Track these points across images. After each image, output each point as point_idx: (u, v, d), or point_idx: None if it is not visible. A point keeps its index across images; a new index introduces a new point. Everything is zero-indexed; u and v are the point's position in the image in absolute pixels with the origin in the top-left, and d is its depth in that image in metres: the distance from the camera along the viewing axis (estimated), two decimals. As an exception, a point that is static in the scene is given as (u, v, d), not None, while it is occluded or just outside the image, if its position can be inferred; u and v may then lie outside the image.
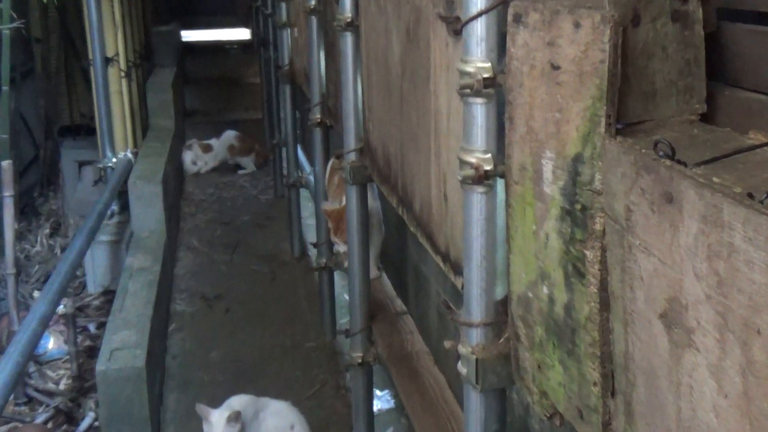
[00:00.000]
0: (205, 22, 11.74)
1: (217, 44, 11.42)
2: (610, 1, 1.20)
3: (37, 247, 6.67)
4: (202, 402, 3.60)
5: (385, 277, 3.75)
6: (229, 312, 5.24)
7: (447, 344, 1.83)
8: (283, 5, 5.24)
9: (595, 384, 1.30)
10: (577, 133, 1.29)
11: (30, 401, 4.57)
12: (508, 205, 1.58)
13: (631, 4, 1.23)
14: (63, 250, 6.39)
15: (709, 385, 1.01)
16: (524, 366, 1.56)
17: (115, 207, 5.93)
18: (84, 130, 7.71)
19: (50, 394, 4.63)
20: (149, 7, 8.70)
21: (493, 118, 1.61)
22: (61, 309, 4.53)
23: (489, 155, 1.61)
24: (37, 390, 4.65)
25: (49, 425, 4.36)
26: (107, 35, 6.03)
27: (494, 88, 1.58)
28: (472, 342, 1.69)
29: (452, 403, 2.75)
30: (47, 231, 6.91)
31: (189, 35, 11.27)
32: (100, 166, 6.15)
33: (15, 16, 5.94)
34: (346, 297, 4.74)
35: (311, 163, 5.60)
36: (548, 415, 1.48)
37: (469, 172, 1.61)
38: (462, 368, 1.71)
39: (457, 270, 1.92)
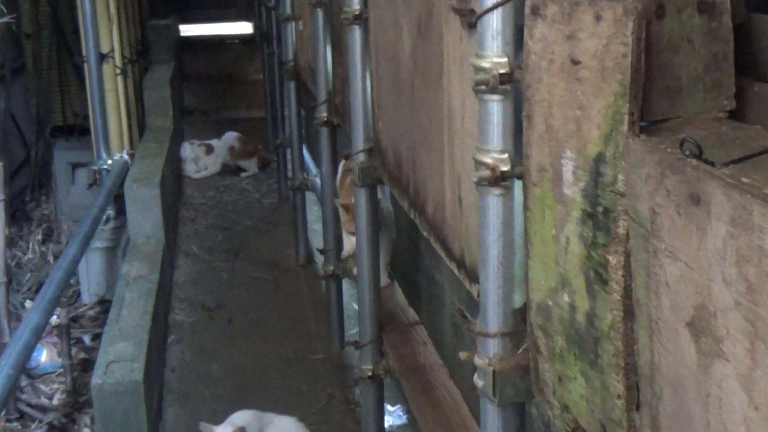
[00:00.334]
0: (205, 16, 11.77)
1: (217, 39, 11.44)
2: (633, -7, 1.21)
3: (29, 254, 6.70)
4: (202, 418, 3.61)
5: (396, 285, 3.75)
6: (231, 322, 5.25)
7: (462, 355, 1.84)
8: (287, -3, 5.26)
9: (619, 396, 1.30)
10: (598, 132, 1.30)
11: (22, 417, 4.59)
12: (526, 208, 1.58)
13: (655, -5, 1.23)
14: (56, 257, 6.41)
15: (739, 396, 1.01)
16: (544, 378, 1.57)
17: (110, 211, 5.95)
18: (77, 130, 7.75)
19: (43, 409, 4.65)
20: (145, 0, 8.74)
21: (510, 116, 1.61)
22: (54, 320, 4.56)
23: (506, 155, 1.61)
24: (29, 405, 4.67)
25: (42, 442, 4.38)
26: (102, 30, 6.06)
27: (511, 85, 1.59)
28: (488, 353, 1.70)
29: (468, 419, 2.76)
30: (39, 237, 6.94)
31: (187, 29, 11.29)
32: (95, 168, 6.17)
33: (4, 10, 5.97)
34: (355, 306, 4.74)
35: (317, 164, 5.61)
36: (570, 430, 1.48)
37: (485, 173, 1.62)
38: (478, 381, 1.71)
39: (473, 277, 1.92)
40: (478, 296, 1.77)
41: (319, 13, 3.92)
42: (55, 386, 4.85)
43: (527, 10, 1.48)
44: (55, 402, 4.73)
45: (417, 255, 3.98)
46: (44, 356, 4.96)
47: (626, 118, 1.23)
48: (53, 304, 4.07)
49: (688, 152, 1.10)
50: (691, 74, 1.28)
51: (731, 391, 1.03)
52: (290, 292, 5.64)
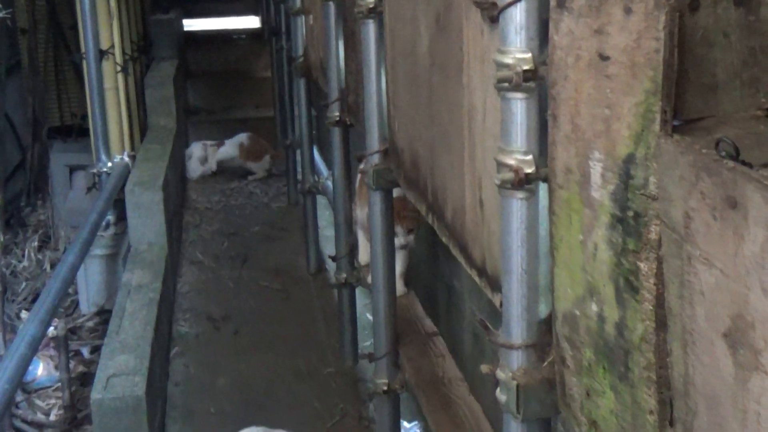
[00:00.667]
0: (210, 10, 11.81)
1: (223, 34, 11.49)
2: (665, -16, 1.21)
3: (25, 262, 6.73)
4: (208, 435, 3.62)
5: (413, 294, 3.76)
6: (238, 334, 5.27)
7: (484, 369, 1.84)
8: (297, -10, 5.28)
9: (651, 412, 1.30)
10: (629, 132, 1.30)
11: (17, 434, 4.62)
12: (551, 212, 1.58)
13: (688, -14, 1.23)
14: (53, 265, 6.44)
15: (780, 412, 1.01)
16: (571, 393, 1.57)
17: (110, 217, 5.98)
18: (75, 131, 7.79)
19: (40, 426, 4.67)
20: (147, -7, 8.78)
21: (534, 114, 1.62)
22: (51, 331, 4.58)
23: (530, 156, 1.62)
24: (24, 421, 4.69)
25: (39, 461, 4.40)
26: (101, 25, 6.09)
27: (535, 82, 1.59)
28: (512, 366, 1.70)
29: (489, 436, 2.76)
30: (35, 244, 6.98)
31: (192, 24, 11.34)
32: (94, 171, 6.20)
33: (-1, 5, 6.01)
34: (369, 317, 4.75)
35: (329, 166, 5.62)
36: (598, 447, 1.48)
37: (508, 175, 1.62)
38: (501, 395, 1.72)
39: (495, 285, 1.93)
40: (501, 306, 1.77)
41: (331, 6, 3.93)
42: (53, 401, 4.87)
43: (553, 3, 1.49)
44: (52, 418, 4.75)
45: (435, 262, 3.98)
46: (41, 370, 4.99)
47: (658, 116, 1.23)
48: (50, 315, 4.09)
49: (724, 153, 1.10)
50: (727, 70, 1.28)
51: (771, 406, 1.03)
52: (300, 301, 5.65)
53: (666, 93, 1.22)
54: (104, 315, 5.56)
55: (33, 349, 3.79)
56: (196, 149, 8.36)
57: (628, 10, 1.28)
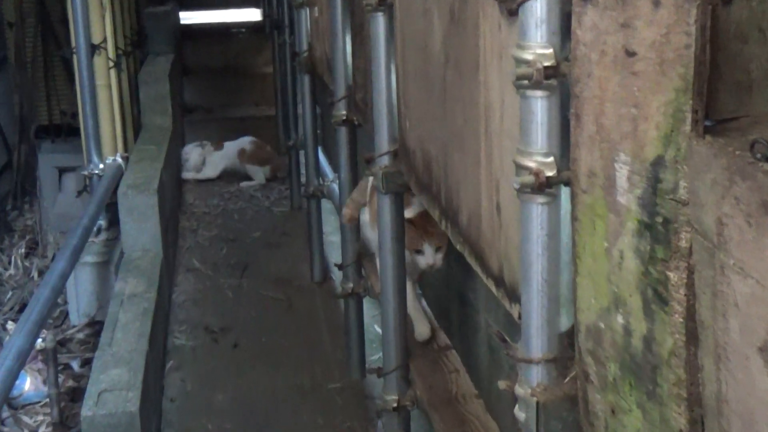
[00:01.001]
0: (208, 2, 11.84)
1: (222, 27, 11.51)
2: (697, -25, 1.21)
3: (11, 270, 6.75)
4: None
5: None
6: (238, 347, 5.27)
7: (501, 385, 1.84)
8: (301, -19, 5.29)
9: (681, 432, 1.30)
10: (657, 132, 1.30)
11: (3, 453, 4.62)
12: (574, 218, 1.58)
13: (721, -23, 1.23)
14: (41, 273, 6.46)
15: (820, 432, 1.01)
16: (594, 410, 1.57)
17: (102, 222, 5.99)
18: (65, 130, 7.81)
19: (26, 444, 4.68)
20: (142, -16, 8.81)
21: (555, 114, 1.62)
22: (39, 343, 4.58)
23: (551, 159, 1.62)
24: (11, 439, 4.70)
25: (26, 481, 4.40)
26: (93, 18, 6.11)
27: (557, 79, 1.59)
28: (531, 382, 1.70)
29: (506, 456, 2.76)
30: (22, 251, 6.99)
31: (189, 17, 11.37)
32: (85, 173, 6.21)
33: (-15, -4, 6.04)
34: (378, 329, 4.75)
35: (334, 168, 5.63)
36: (624, 469, 1.48)
37: (528, 178, 1.62)
38: (519, 413, 1.72)
39: (513, 296, 1.93)
40: (520, 318, 1.77)
41: (338, -2, 3.94)
42: (41, 418, 4.88)
43: (576, -5, 1.49)
44: (40, 436, 4.76)
45: (448, 271, 3.98)
46: (28, 384, 4.99)
47: (689, 116, 1.24)
48: (38, 326, 4.09)
49: (759, 155, 1.10)
50: (762, 67, 1.28)
51: (810, 426, 1.03)
52: (304, 312, 5.66)
53: (697, 91, 1.23)
54: (95, 326, 5.56)
55: (20, 363, 3.79)
56: (193, 153, 8.35)
57: (656, 3, 1.28)
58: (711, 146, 1.19)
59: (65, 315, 5.94)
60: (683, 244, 1.26)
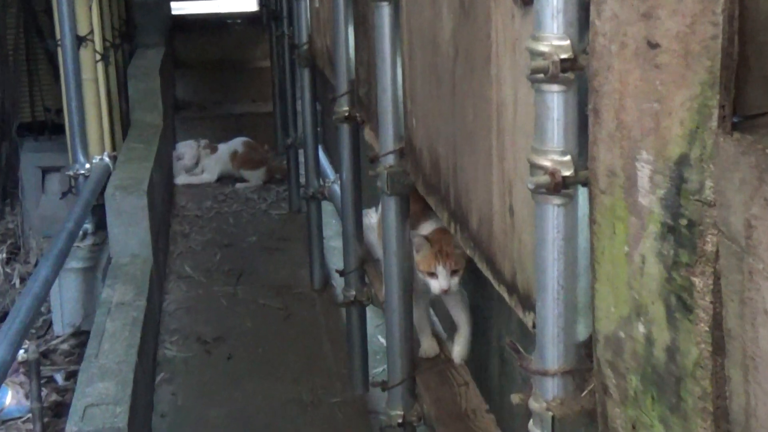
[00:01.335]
0: (201, -9, 11.87)
1: (216, 18, 11.52)
2: (724, -38, 1.22)
3: (-9, 277, 6.76)
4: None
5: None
6: (232, 359, 5.27)
7: (514, 398, 1.84)
8: (301, -31, 5.30)
9: (706, 448, 1.30)
10: (681, 129, 1.30)
11: (-18, 471, 4.63)
12: (592, 220, 1.59)
13: (750, -36, 1.24)
14: (23, 280, 6.46)
15: None
16: (614, 426, 1.57)
17: (88, 225, 5.99)
18: (49, 128, 7.81)
19: (7, 462, 4.68)
20: (131, -28, 8.82)
21: (572, 110, 1.62)
22: (21, 355, 4.59)
23: (568, 157, 1.62)
24: (-9, 457, 4.70)
25: (7, 501, 4.41)
26: (79, 8, 6.12)
27: (574, 72, 1.60)
28: (547, 395, 1.70)
29: (519, 475, 2.76)
30: (3, 256, 7.00)
31: (181, 7, 11.39)
32: (70, 173, 6.22)
33: (-36, -15, 6.05)
34: (382, 339, 4.75)
35: (336, 168, 5.63)
36: (646, 488, 1.49)
37: (543, 178, 1.62)
38: (534, 429, 1.72)
39: (527, 304, 1.93)
40: (534, 327, 1.77)
41: (340, -13, 3.95)
42: (22, 434, 4.89)
43: (594, -17, 1.50)
44: (22, 453, 4.76)
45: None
46: (9, 398, 5.00)
47: (715, 112, 1.24)
48: (20, 337, 4.10)
49: (791, 153, 1.10)
50: (793, 59, 1.28)
51: None
52: (303, 322, 5.66)
53: (724, 85, 1.23)
54: (81, 336, 5.56)
55: (1, 375, 3.80)
56: (187, 152, 8.36)
57: (681, -9, 1.28)
58: (739, 143, 1.19)
59: (49, 324, 5.94)
60: (709, 247, 1.26)
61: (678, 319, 1.34)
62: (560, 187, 1.62)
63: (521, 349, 1.81)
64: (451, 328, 3.59)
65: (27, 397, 4.91)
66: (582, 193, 1.63)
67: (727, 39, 1.21)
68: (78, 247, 5.87)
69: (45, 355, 5.51)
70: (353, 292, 4.42)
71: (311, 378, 4.99)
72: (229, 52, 10.80)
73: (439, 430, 3.08)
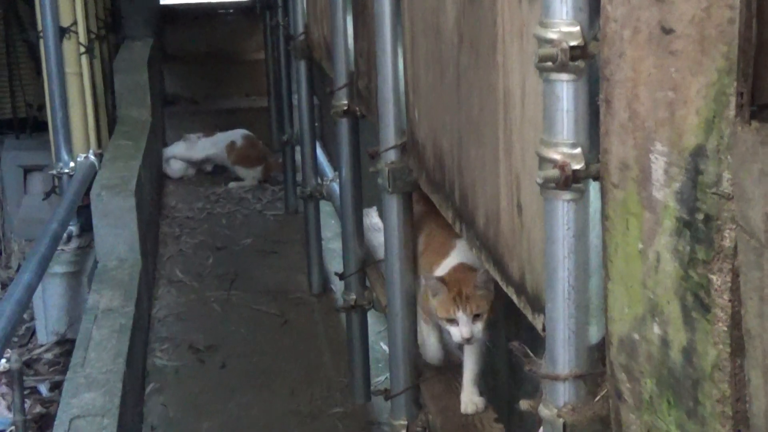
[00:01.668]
0: (191, -21, 11.87)
1: (207, 8, 11.53)
2: (741, -59, 1.22)
3: (-30, 282, 6.77)
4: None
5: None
6: (226, 368, 5.28)
7: (523, 405, 1.85)
8: (297, -45, 5.31)
9: (725, 455, 1.31)
10: (697, 119, 1.31)
11: (-38, 487, 4.63)
12: (604, 216, 1.59)
13: (768, -56, 1.24)
14: (4, 286, 6.47)
15: None
16: (629, 433, 1.57)
17: (73, 227, 6.00)
18: (31, 125, 7.83)
19: (-11, 477, 4.69)
20: (116, -40, 8.83)
21: (583, 100, 1.63)
22: (3, 364, 4.60)
23: (578, 150, 1.63)
24: (-29, 472, 4.71)
25: None
26: (62, -2, 6.13)
27: (585, 61, 1.60)
28: (557, 401, 1.71)
29: (530, 488, 2.76)
30: (-17, 260, 7.01)
31: (169, -3, 11.41)
32: (53, 172, 6.23)
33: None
34: (384, 346, 4.76)
35: (335, 166, 5.63)
36: (662, 498, 1.49)
37: (552, 172, 1.63)
38: (545, 437, 1.72)
39: (536, 305, 1.93)
40: (544, 330, 1.77)
41: (338, -27, 3.96)
42: (5, 448, 4.89)
43: (605, -34, 1.50)
44: (4, 468, 4.77)
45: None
46: (-10, 411, 5.01)
47: (733, 100, 1.24)
48: (2, 346, 4.10)
49: (812, 142, 1.10)
50: (815, 44, 1.28)
51: None
52: (301, 328, 5.66)
53: (742, 72, 1.23)
54: (66, 345, 5.57)
55: (-19, 386, 3.81)
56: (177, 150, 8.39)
57: (696, -27, 1.29)
58: (758, 133, 1.19)
59: (32, 332, 5.95)
60: (727, 243, 1.27)
61: (695, 318, 1.34)
62: (570, 181, 1.62)
63: (530, 353, 1.82)
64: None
65: (9, 408, 4.92)
66: (593, 187, 1.64)
67: (744, 23, 1.22)
68: (62, 250, 5.88)
69: (28, 364, 5.52)
70: (354, 297, 4.42)
71: (309, 388, 4.99)
72: (221, 43, 10.80)
73: (445, 440, 3.08)
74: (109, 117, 7.20)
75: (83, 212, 5.92)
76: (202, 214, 7.67)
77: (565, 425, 1.67)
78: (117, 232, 5.69)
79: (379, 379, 4.70)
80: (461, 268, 2.86)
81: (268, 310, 5.90)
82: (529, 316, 1.99)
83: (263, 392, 4.99)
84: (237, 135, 8.50)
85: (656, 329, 1.45)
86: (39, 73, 6.77)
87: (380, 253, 3.88)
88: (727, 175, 1.26)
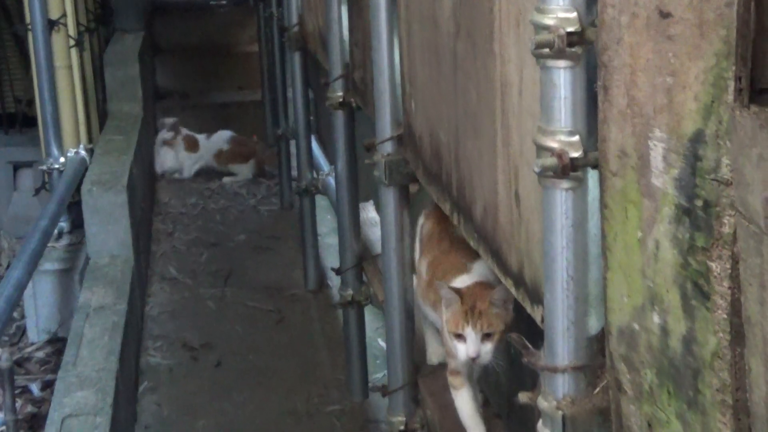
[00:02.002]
0: (183, -29, 11.85)
1: (199, 0, 11.52)
2: (739, -77, 1.23)
3: (-41, 281, 6.76)
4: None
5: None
6: (221, 366, 5.28)
7: (522, 397, 1.85)
8: (290, -56, 5.31)
9: (726, 444, 1.31)
10: (696, 104, 1.31)
11: (-48, 489, 4.63)
12: (603, 204, 1.60)
13: (767, -75, 1.25)
14: (-6, 283, 6.46)
15: None
16: (629, 424, 1.58)
17: (64, 224, 5.99)
18: (20, 120, 7.82)
19: (-20, 479, 4.69)
20: (106, -49, 8.81)
21: (580, 87, 1.63)
22: (-7, 363, 4.60)
23: (576, 138, 1.63)
24: (-39, 474, 4.71)
25: None
26: (50, -10, 6.12)
27: (582, 47, 1.61)
28: (557, 393, 1.71)
29: (530, 484, 2.77)
30: (-28, 258, 7.00)
31: (161, -11, 11.38)
32: (43, 168, 6.22)
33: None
34: (382, 343, 4.76)
35: (330, 160, 5.63)
36: (663, 489, 1.50)
37: (550, 161, 1.63)
38: (544, 429, 1.73)
39: (535, 297, 1.94)
40: (542, 321, 1.78)
41: (332, -38, 3.96)
42: (-5, 449, 4.90)
43: (602, -50, 1.51)
44: (-5, 470, 4.77)
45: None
46: (-19, 411, 5.01)
47: (732, 85, 1.24)
48: (-8, 343, 4.11)
49: (811, 126, 1.11)
50: (814, 28, 1.29)
51: None
52: (297, 325, 5.66)
53: (741, 56, 1.24)
54: (58, 343, 5.57)
55: (-29, 385, 3.81)
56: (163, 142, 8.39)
57: (693, -43, 1.29)
58: (757, 117, 1.20)
59: (23, 331, 5.95)
60: (726, 229, 1.27)
61: (694, 307, 1.35)
62: (568, 169, 1.62)
63: (529, 345, 1.82)
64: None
65: (0, 408, 4.92)
66: (592, 175, 1.64)
67: (743, 6, 1.22)
68: (53, 247, 5.87)
69: (19, 363, 5.52)
70: (350, 292, 4.42)
71: (306, 386, 4.99)
72: (214, 36, 10.78)
73: (444, 437, 3.08)
74: (99, 111, 7.19)
75: (74, 208, 5.92)
76: (195, 210, 7.66)
77: (564, 418, 1.68)
78: (108, 229, 5.69)
79: (377, 376, 4.70)
80: (481, 285, 2.71)
81: (264, 307, 5.90)
82: (528, 308, 2.00)
83: (259, 390, 4.99)
84: (221, 141, 8.46)
85: (656, 318, 1.45)
86: (27, 67, 6.75)
87: (377, 248, 3.88)
88: (726, 160, 1.26)
